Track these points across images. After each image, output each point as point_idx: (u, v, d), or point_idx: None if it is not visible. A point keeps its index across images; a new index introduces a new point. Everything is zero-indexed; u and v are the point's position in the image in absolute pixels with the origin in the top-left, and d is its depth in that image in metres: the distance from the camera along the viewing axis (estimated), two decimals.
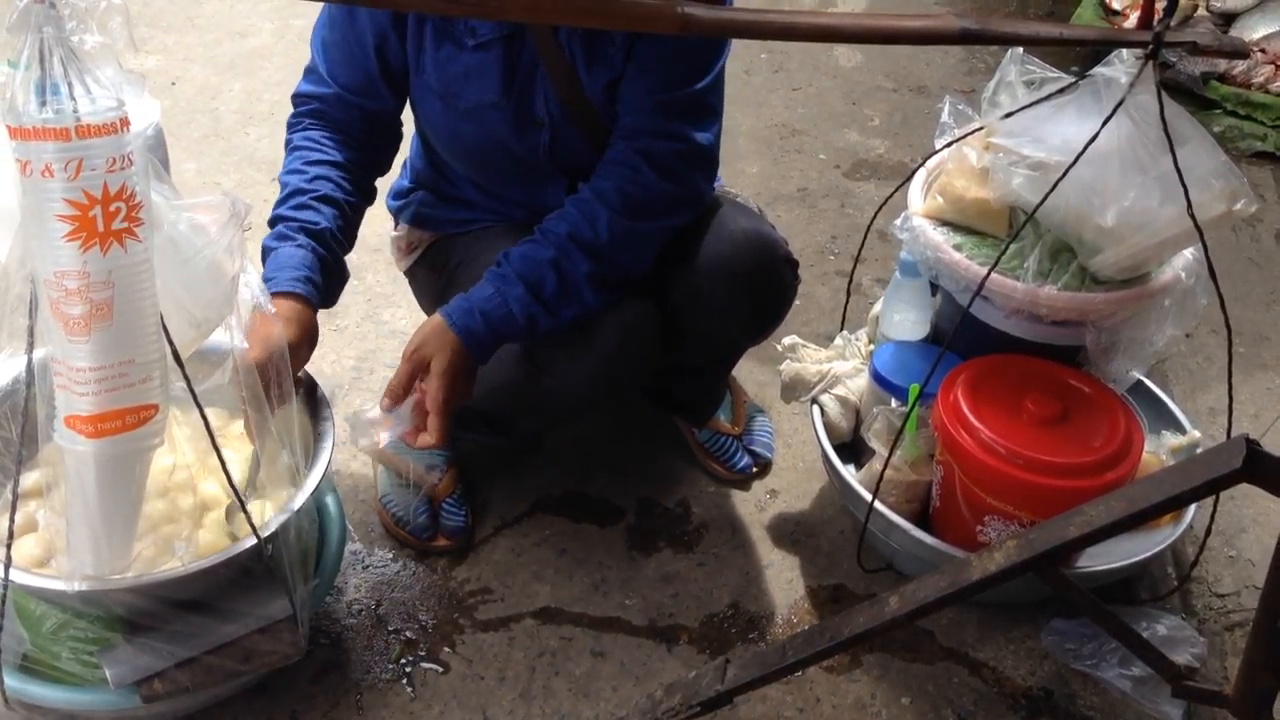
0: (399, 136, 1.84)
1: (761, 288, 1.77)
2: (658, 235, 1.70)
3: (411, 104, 1.79)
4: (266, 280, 1.58)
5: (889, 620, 1.42)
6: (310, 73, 1.76)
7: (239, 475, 1.52)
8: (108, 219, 1.21)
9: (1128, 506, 1.28)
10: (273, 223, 1.67)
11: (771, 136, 3.32)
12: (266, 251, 1.65)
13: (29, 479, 1.46)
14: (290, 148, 1.75)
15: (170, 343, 1.33)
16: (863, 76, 3.70)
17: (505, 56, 1.67)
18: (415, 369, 1.59)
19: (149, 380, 1.31)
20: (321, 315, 2.40)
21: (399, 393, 1.61)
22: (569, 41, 1.65)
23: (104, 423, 1.29)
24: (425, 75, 1.71)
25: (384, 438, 1.62)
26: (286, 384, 1.52)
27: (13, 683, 1.44)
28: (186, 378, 1.36)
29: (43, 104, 1.17)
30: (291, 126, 1.77)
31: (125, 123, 1.22)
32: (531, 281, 1.61)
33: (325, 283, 1.65)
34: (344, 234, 1.71)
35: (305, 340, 1.60)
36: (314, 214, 1.66)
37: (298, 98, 1.77)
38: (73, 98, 1.18)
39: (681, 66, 1.66)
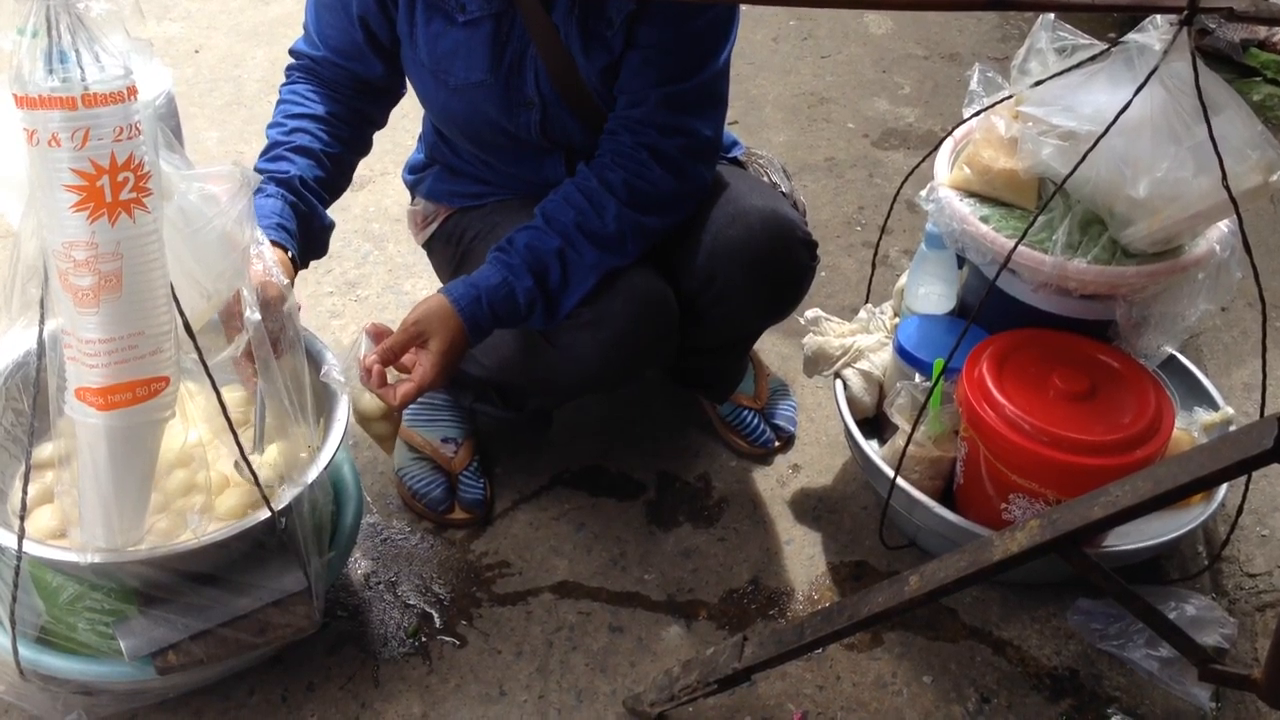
0: (396, 95, 1.83)
1: (778, 272, 1.73)
2: (661, 229, 1.68)
3: (408, 77, 1.76)
4: None
5: (908, 600, 1.40)
6: (305, 32, 1.76)
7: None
8: (115, 189, 1.19)
9: (1154, 487, 1.25)
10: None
11: (799, 105, 3.27)
12: None
13: (45, 449, 1.46)
14: (278, 103, 1.76)
15: (181, 314, 1.31)
16: (893, 43, 3.65)
17: (495, 34, 1.63)
18: (411, 342, 1.57)
19: (159, 352, 1.29)
20: (342, 286, 2.43)
21: (389, 360, 1.58)
22: (564, 22, 1.61)
23: (114, 395, 1.28)
24: (417, 50, 1.68)
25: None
26: (291, 330, 1.52)
27: (28, 654, 1.44)
28: (198, 349, 1.34)
29: (50, 72, 1.16)
30: (286, 79, 1.78)
31: (133, 91, 1.20)
32: (539, 272, 1.59)
33: (300, 229, 1.64)
34: (321, 184, 1.70)
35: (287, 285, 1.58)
36: (286, 164, 1.66)
37: (293, 53, 1.78)
38: (80, 66, 1.17)
39: (685, 54, 1.62)
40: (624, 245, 1.62)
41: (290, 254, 1.60)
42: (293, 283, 1.59)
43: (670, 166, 1.62)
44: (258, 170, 1.65)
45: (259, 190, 1.62)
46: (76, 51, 1.16)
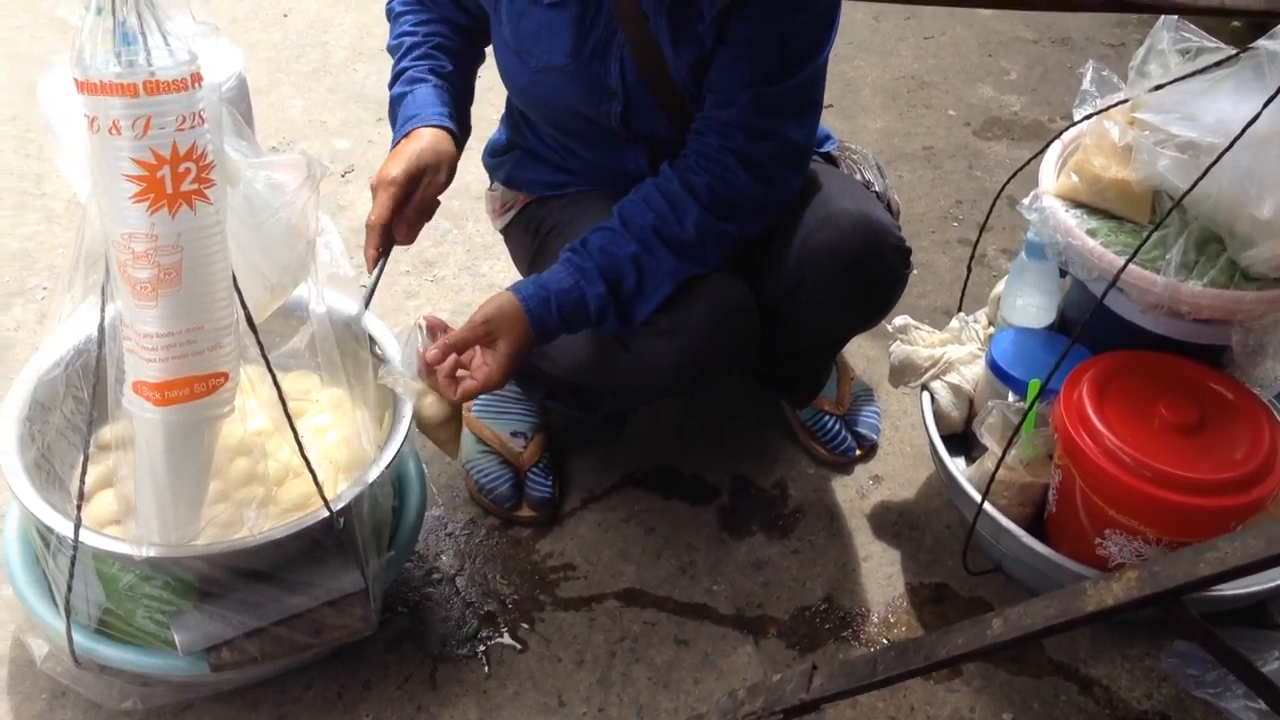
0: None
1: (869, 279, 1.63)
2: (742, 237, 1.59)
3: (494, 53, 1.71)
4: (408, 119, 1.63)
5: (990, 645, 1.32)
6: None
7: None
8: (176, 180, 1.15)
9: (1267, 547, 1.14)
10: (396, 76, 1.70)
11: (898, 89, 3.15)
12: (397, 101, 1.68)
13: (106, 433, 1.44)
14: (393, 15, 1.78)
15: (244, 306, 1.27)
16: (1001, 25, 3.50)
17: (580, 18, 1.56)
18: (478, 341, 1.51)
19: (218, 347, 1.26)
20: (419, 265, 2.39)
21: (452, 356, 1.52)
22: (654, 11, 1.53)
23: (171, 390, 1.24)
24: (502, 26, 1.63)
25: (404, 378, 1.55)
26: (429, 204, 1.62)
27: (85, 642, 1.43)
28: (260, 343, 1.30)
29: (116, 55, 1.11)
30: (391, 9, 1.80)
31: (197, 78, 1.15)
32: (612, 278, 1.52)
33: (460, 121, 1.69)
34: (464, 83, 1.75)
35: (447, 173, 1.63)
36: (437, 62, 1.70)
37: None
38: (146, 49, 1.12)
39: (780, 54, 1.52)
40: (703, 253, 1.54)
41: (458, 145, 1.66)
42: (452, 176, 1.65)
43: (757, 173, 1.54)
44: (407, 67, 1.69)
45: (421, 80, 1.67)
46: (143, 35, 1.12)
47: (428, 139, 1.60)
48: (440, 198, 1.66)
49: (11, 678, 1.58)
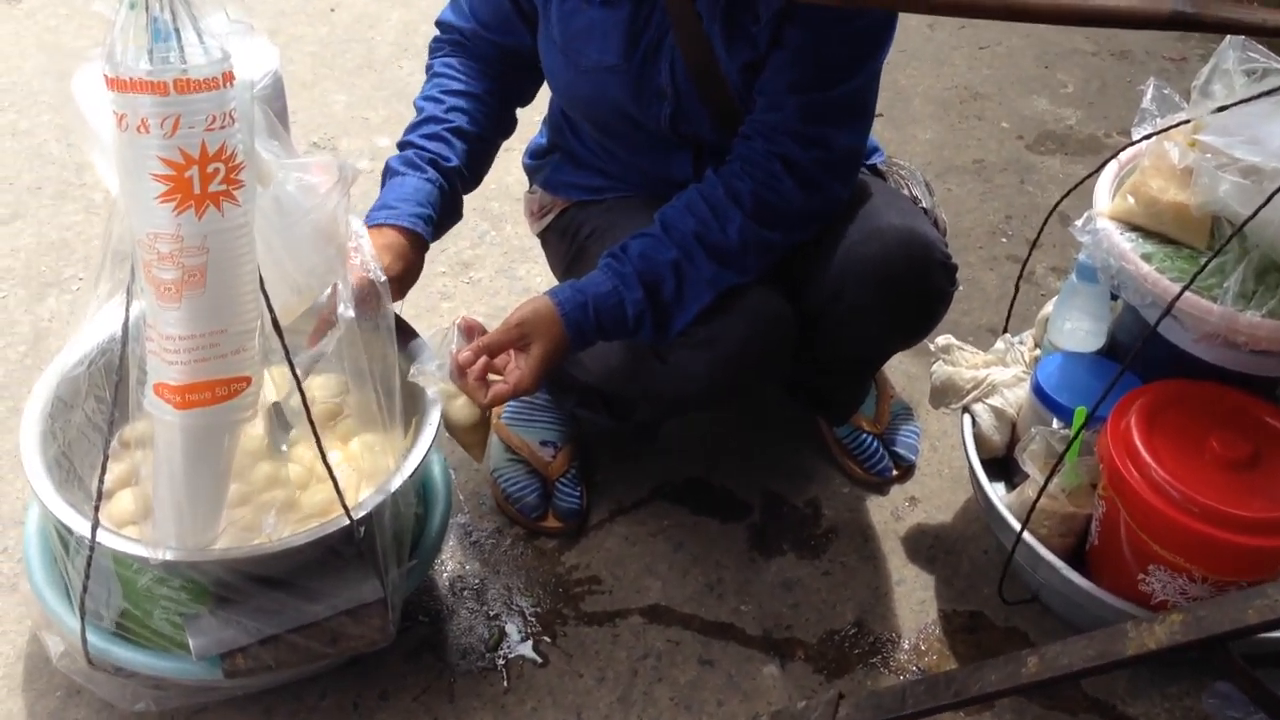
0: (542, 73, 1.74)
1: (912, 296, 1.58)
2: (785, 246, 1.55)
3: (540, 52, 1.67)
4: (385, 207, 1.56)
5: (1024, 684, 1.27)
6: (453, 2, 1.71)
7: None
8: (204, 180, 1.13)
9: None
10: (402, 147, 1.64)
11: (950, 99, 3.09)
12: (390, 173, 1.61)
13: (132, 430, 1.42)
14: (430, 73, 1.72)
15: (270, 309, 1.25)
16: (1059, 36, 3.42)
17: (633, 17, 1.53)
18: (512, 344, 1.48)
19: (242, 351, 1.23)
20: (455, 266, 2.36)
21: (487, 355, 1.49)
22: (708, 11, 1.49)
23: (192, 394, 1.22)
24: (550, 25, 1.59)
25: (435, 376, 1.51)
26: (385, 311, 1.46)
27: (99, 642, 1.41)
28: (285, 347, 1.28)
29: (149, 52, 1.09)
30: (433, 52, 1.74)
31: (229, 77, 1.12)
32: (651, 284, 1.48)
33: (440, 221, 1.61)
34: (470, 171, 1.67)
35: (409, 277, 1.57)
36: (446, 147, 1.62)
37: (440, 25, 1.73)
38: (180, 46, 1.10)
39: (834, 60, 1.48)
40: (745, 261, 1.50)
41: (424, 248, 1.58)
42: (415, 279, 1.58)
43: (803, 180, 1.50)
44: (414, 144, 1.62)
45: (417, 168, 1.60)
46: (176, 31, 1.10)
47: (392, 247, 1.52)
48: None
49: (27, 673, 1.57)
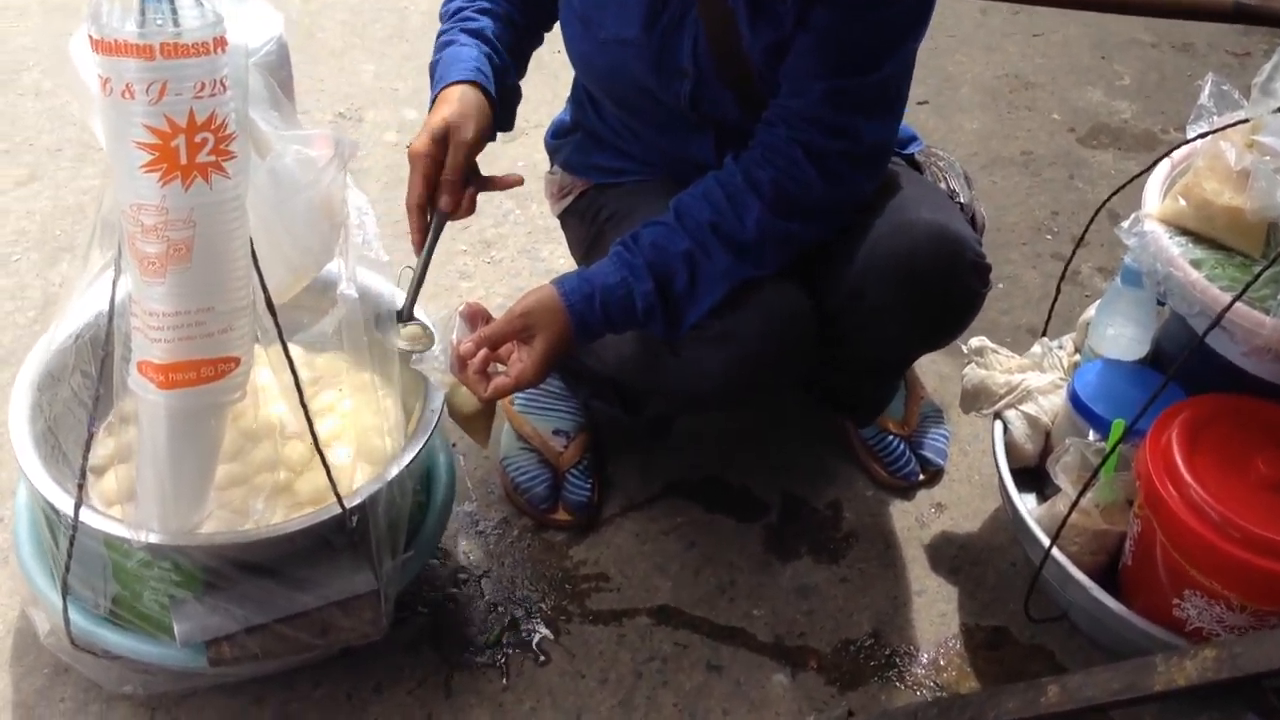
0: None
1: (937, 296, 1.49)
2: (805, 239, 1.47)
3: (560, 20, 1.61)
4: (435, 85, 1.54)
5: (1043, 714, 1.20)
6: None
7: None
8: (192, 150, 1.08)
9: None
10: (436, 47, 1.60)
11: (1000, 88, 2.98)
12: (431, 71, 1.58)
13: (126, 404, 1.37)
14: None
15: (264, 287, 1.19)
16: (1118, 25, 3.30)
17: None
18: (515, 335, 1.42)
19: (230, 330, 1.18)
20: (477, 245, 2.30)
21: (489, 346, 1.43)
22: None
23: (176, 373, 1.17)
24: None
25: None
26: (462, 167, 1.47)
27: (81, 623, 1.37)
28: (278, 326, 1.22)
29: (141, 13, 1.03)
30: None
31: (221, 43, 1.07)
32: (662, 276, 1.41)
33: (498, 84, 1.55)
34: (511, 51, 1.62)
35: (475, 129, 1.49)
36: (477, 22, 1.59)
37: None
38: (174, 8, 1.04)
39: (863, 45, 1.39)
40: (762, 253, 1.43)
41: (489, 96, 1.52)
42: (491, 128, 1.54)
43: (825, 170, 1.41)
44: (445, 30, 1.60)
45: (451, 43, 1.56)
46: None
47: (452, 99, 1.49)
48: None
49: (15, 649, 1.54)
